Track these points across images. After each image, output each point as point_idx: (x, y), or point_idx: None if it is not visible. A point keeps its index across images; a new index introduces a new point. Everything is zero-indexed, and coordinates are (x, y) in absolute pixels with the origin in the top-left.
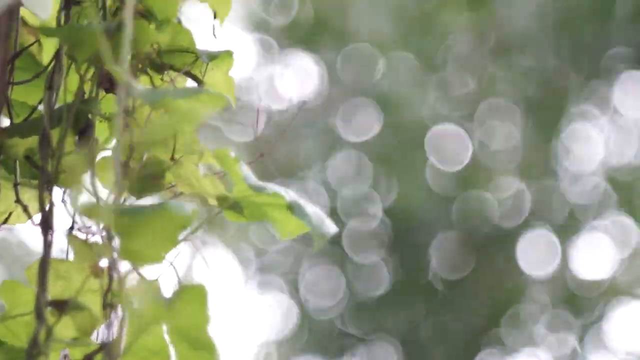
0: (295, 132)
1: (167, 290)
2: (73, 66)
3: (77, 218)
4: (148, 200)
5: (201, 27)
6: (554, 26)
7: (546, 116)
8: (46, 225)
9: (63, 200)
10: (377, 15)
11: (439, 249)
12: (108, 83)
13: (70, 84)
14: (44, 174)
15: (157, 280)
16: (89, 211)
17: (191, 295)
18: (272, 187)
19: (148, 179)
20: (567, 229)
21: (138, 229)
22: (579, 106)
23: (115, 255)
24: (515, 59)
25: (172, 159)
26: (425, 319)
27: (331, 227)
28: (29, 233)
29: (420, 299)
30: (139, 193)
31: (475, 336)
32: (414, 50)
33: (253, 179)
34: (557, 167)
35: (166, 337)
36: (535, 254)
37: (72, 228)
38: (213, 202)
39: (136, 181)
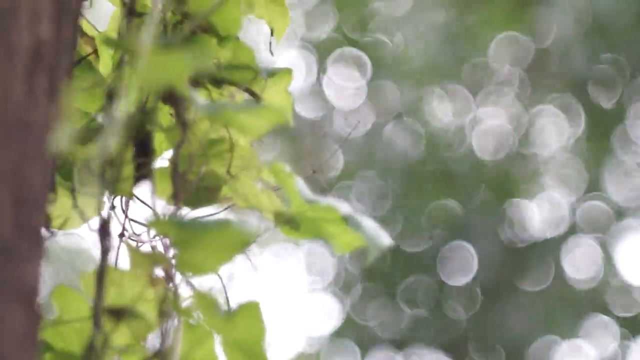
0: (341, 145)
1: (222, 301)
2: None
3: (128, 226)
4: (202, 212)
5: (255, 42)
6: (594, 32)
7: (595, 121)
8: (104, 232)
9: (112, 207)
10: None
11: (483, 255)
12: (168, 95)
13: (129, 94)
14: (102, 181)
15: (215, 293)
16: (151, 222)
17: (248, 310)
18: (326, 200)
19: (204, 191)
20: (612, 235)
21: (198, 242)
22: (625, 110)
23: (172, 265)
24: (557, 66)
25: (229, 172)
26: (468, 327)
27: (386, 240)
28: (78, 238)
29: (462, 306)
30: (194, 205)
31: (518, 345)
32: (453, 64)
33: (307, 192)
34: (602, 172)
35: (218, 350)
36: (579, 260)
37: (122, 235)
38: (269, 216)
39: (192, 193)
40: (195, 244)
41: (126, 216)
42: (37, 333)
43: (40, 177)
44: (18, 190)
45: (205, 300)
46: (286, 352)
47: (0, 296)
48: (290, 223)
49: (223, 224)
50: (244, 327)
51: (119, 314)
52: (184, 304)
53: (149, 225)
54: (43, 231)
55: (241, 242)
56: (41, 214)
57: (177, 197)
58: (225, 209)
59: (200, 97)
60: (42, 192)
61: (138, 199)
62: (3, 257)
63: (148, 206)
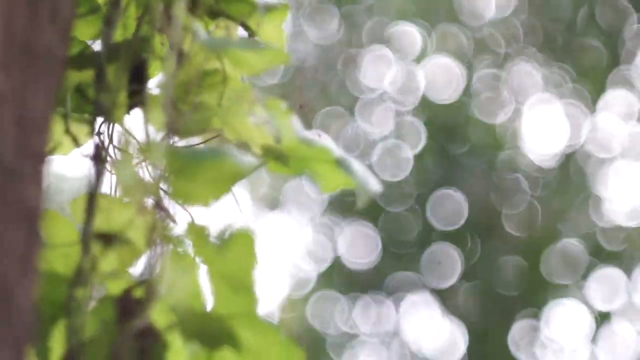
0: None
1: (215, 233)
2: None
3: (119, 152)
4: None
5: None
6: None
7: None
8: (96, 158)
9: (106, 133)
10: None
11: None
12: (165, 24)
13: (126, 21)
14: (97, 107)
15: (206, 223)
16: (146, 149)
17: (239, 240)
18: (321, 140)
19: (194, 122)
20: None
21: (194, 171)
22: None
23: (163, 194)
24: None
25: (220, 104)
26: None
27: (376, 185)
28: (66, 163)
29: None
30: (184, 135)
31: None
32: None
33: (303, 131)
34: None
35: (202, 280)
36: None
37: (113, 161)
38: (258, 151)
39: (182, 123)
40: (189, 173)
41: (118, 142)
42: (37, 255)
43: (43, 100)
44: (20, 112)
45: (196, 229)
46: (274, 295)
47: (1, 216)
48: (279, 158)
49: (220, 153)
50: (234, 258)
51: (108, 239)
52: (174, 232)
53: (142, 151)
54: (45, 153)
55: (237, 174)
56: (43, 137)
57: (169, 126)
58: (212, 138)
59: (199, 29)
60: (44, 115)
61: (124, 127)
62: (4, 178)
63: (132, 135)
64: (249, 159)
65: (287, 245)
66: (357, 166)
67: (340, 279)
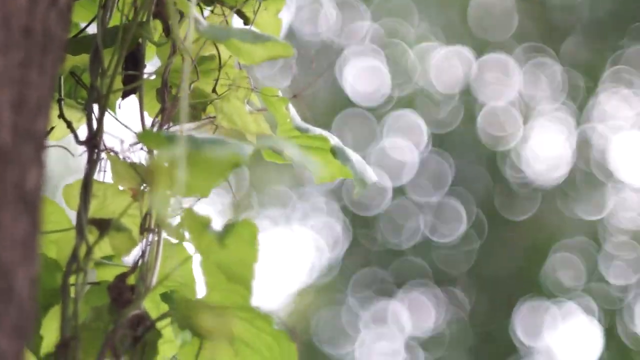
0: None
1: (215, 223)
2: None
3: (114, 139)
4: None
5: None
6: None
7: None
8: (92, 143)
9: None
10: None
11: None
12: (162, 9)
13: (122, 5)
14: (93, 91)
15: (205, 213)
16: (142, 136)
17: (242, 232)
18: (317, 130)
19: (190, 109)
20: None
21: (191, 160)
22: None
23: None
24: None
25: (214, 91)
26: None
27: (372, 176)
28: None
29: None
30: (178, 122)
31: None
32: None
33: (299, 120)
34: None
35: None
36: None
37: (107, 148)
38: (252, 138)
39: (177, 109)
40: (187, 162)
41: (110, 129)
42: (37, 240)
43: (43, 83)
44: (19, 96)
45: (195, 218)
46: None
47: (0, 201)
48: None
49: (219, 142)
50: (234, 249)
51: (103, 226)
52: (170, 221)
53: (139, 138)
54: (45, 137)
55: (234, 163)
56: (43, 120)
57: (165, 112)
58: (206, 125)
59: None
60: (44, 98)
61: (112, 114)
62: (3, 161)
63: (122, 122)
64: (246, 148)
65: (290, 241)
66: (353, 156)
67: (342, 277)
